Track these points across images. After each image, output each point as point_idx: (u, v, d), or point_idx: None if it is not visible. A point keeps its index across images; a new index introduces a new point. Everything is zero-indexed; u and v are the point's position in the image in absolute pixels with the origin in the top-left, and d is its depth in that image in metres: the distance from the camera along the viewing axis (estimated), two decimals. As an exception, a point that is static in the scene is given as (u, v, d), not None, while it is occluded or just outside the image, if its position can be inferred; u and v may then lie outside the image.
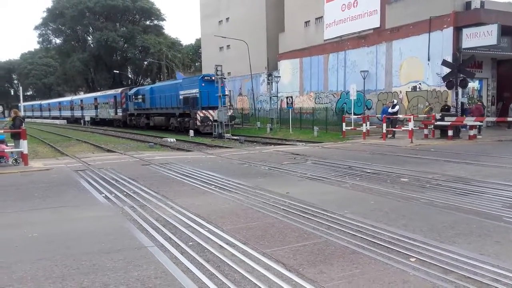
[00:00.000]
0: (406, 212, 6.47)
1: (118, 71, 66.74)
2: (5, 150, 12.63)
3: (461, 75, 19.91)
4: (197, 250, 4.94)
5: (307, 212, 6.51)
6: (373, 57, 29.98)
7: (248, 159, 13.61)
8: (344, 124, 22.52)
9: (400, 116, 21.94)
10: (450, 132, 18.60)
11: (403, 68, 27.76)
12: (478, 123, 19.26)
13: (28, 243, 5.41)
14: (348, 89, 28.92)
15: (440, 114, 19.50)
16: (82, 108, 54.49)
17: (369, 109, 30.24)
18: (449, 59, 22.15)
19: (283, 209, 6.77)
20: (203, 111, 27.21)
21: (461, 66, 20.18)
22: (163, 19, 75.53)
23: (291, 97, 30.14)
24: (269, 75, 35.60)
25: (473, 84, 26.31)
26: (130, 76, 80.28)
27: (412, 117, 19.36)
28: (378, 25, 29.81)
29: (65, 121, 59.41)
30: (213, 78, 26.83)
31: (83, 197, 8.19)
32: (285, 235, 5.45)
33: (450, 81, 20.37)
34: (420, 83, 26.64)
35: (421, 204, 6.98)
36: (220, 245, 5.08)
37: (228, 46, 50.07)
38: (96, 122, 48.79)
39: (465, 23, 23.81)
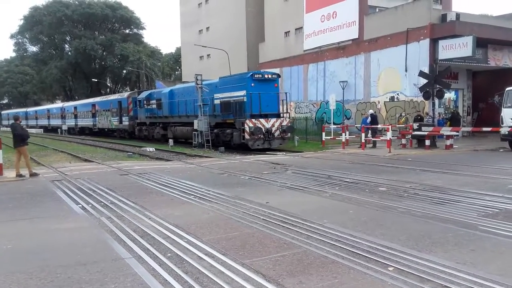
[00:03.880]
0: (384, 221, 6.53)
1: (96, 80, 66.11)
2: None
3: (438, 86, 20.32)
4: (175, 261, 4.88)
5: (286, 222, 6.51)
6: (352, 68, 30.37)
7: (228, 168, 13.58)
8: (323, 133, 22.67)
9: (378, 126, 22.22)
10: (427, 142, 18.90)
11: (381, 78, 28.18)
12: (455, 133, 19.63)
13: (2, 255, 5.28)
14: (328, 99, 29.20)
15: (417, 124, 19.82)
16: (76, 117, 48.02)
17: (348, 119, 30.56)
18: (426, 70, 22.58)
19: (263, 219, 6.76)
20: (253, 120, 20.80)
21: (438, 77, 20.61)
22: (143, 28, 75.53)
23: (271, 106, 30.16)
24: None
25: (449, 95, 26.86)
26: (108, 84, 79.60)
27: (390, 127, 19.64)
28: (357, 36, 30.25)
29: (42, 130, 57.31)
30: (266, 76, 21.81)
31: (59, 208, 8.04)
32: (264, 245, 5.44)
33: (427, 92, 20.77)
34: (397, 94, 27.06)
35: (399, 213, 7.06)
36: (199, 256, 5.04)
37: (208, 55, 50.16)
38: (94, 132, 42.99)
39: (441, 35, 24.35)
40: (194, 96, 25.15)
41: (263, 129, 20.80)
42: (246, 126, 20.58)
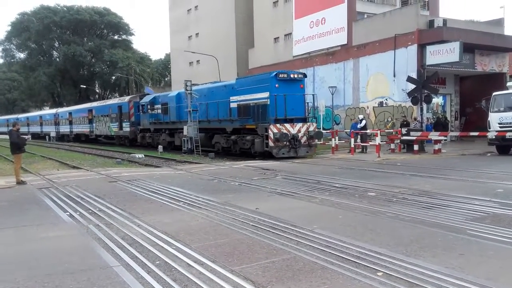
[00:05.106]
0: (374, 226, 6.54)
1: (85, 86, 65.73)
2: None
3: (426, 91, 20.51)
4: (164, 269, 4.85)
5: (276, 228, 6.50)
6: (341, 73, 30.54)
7: (218, 174, 13.54)
8: (313, 139, 22.67)
9: (368, 131, 22.34)
10: (415, 147, 19.03)
11: (370, 84, 28.37)
12: (443, 138, 19.79)
13: (-13, 265, 5.20)
14: (317, 104, 29.27)
15: (406, 129, 19.97)
16: (70, 123, 45.34)
17: (337, 124, 30.69)
18: (414, 75, 22.81)
19: (252, 225, 6.74)
20: (278, 125, 18.58)
21: (425, 82, 20.81)
22: (132, 34, 75.37)
23: (261, 112, 30.08)
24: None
25: (437, 100, 27.12)
26: (97, 91, 79.20)
27: (379, 132, 19.75)
28: (345, 42, 30.46)
29: (30, 136, 55.39)
30: (292, 75, 19.51)
31: (46, 215, 7.95)
32: (254, 251, 5.42)
33: (415, 97, 20.96)
34: (386, 99, 27.25)
35: (388, 218, 7.08)
36: (188, 264, 5.00)
37: (198, 61, 50.15)
38: (91, 139, 40.90)
39: (429, 40, 24.61)
40: (209, 99, 23.05)
41: (290, 135, 18.66)
42: (270, 132, 18.37)
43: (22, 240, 6.34)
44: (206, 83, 25.78)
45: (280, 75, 19.10)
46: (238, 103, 20.65)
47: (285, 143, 18.54)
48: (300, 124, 19.26)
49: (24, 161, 21.44)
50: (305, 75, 20.49)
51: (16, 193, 10.70)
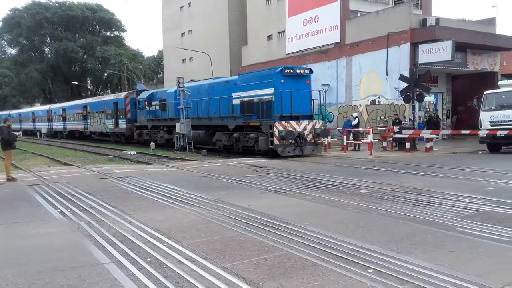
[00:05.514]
0: (365, 223, 6.57)
1: (77, 82, 65.30)
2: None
3: (418, 90, 20.59)
4: (155, 266, 4.83)
5: (268, 225, 6.50)
6: (334, 71, 30.58)
7: (210, 172, 13.52)
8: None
9: (360, 129, 22.39)
10: (407, 145, 19.12)
11: (363, 82, 28.44)
12: (434, 136, 19.90)
13: (-24, 262, 5.15)
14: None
15: (398, 127, 20.04)
16: (64, 119, 44.78)
17: (330, 122, 30.72)
18: (406, 74, 22.87)
19: (244, 222, 6.74)
20: (283, 122, 17.93)
21: (418, 81, 20.90)
22: (124, 30, 75.07)
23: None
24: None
25: (429, 98, 27.25)
26: (89, 87, 78.79)
27: (371, 129, 19.81)
28: (339, 40, 30.51)
29: (21, 133, 54.87)
30: (298, 71, 18.87)
31: (37, 212, 7.90)
32: (246, 248, 5.42)
33: (407, 95, 21.03)
34: (379, 97, 27.33)
35: (379, 215, 7.11)
36: (179, 261, 4.99)
37: (190, 58, 49.98)
38: (85, 136, 40.17)
39: (421, 39, 24.70)
40: (210, 95, 22.29)
41: (295, 133, 18.02)
42: (275, 129, 17.71)
43: (12, 237, 6.30)
44: (207, 79, 25.32)
45: (285, 70, 18.44)
46: (241, 99, 20.04)
47: (290, 141, 17.90)
48: (306, 122, 18.63)
49: (14, 157, 21.26)
50: (311, 71, 19.70)
51: (6, 190, 10.62)
